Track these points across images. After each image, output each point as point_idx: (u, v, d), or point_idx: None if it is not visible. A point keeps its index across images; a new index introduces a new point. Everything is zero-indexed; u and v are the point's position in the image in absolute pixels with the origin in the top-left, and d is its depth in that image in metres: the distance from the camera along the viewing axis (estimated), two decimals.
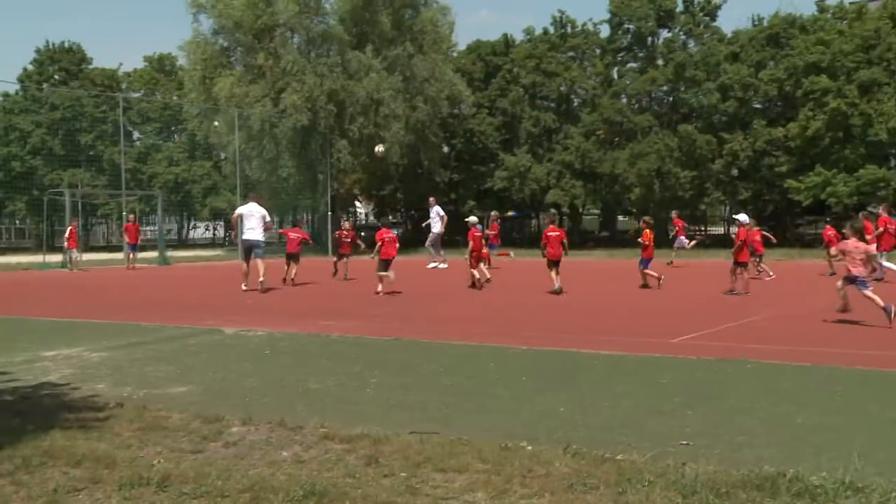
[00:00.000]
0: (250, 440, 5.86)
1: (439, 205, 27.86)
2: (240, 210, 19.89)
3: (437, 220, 27.07)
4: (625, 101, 45.67)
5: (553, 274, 17.29)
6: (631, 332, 11.77)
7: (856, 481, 4.64)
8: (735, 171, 42.47)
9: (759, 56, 41.91)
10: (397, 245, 18.33)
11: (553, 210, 46.78)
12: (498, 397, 7.41)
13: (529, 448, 5.56)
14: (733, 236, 19.35)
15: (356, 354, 9.87)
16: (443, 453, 5.38)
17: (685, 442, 5.79)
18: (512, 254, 32.09)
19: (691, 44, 45.44)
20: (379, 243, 17.92)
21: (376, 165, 43.67)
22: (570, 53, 48.32)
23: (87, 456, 5.35)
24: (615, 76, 47.35)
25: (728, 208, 47.81)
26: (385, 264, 17.64)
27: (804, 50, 39.29)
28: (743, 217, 18.61)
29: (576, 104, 48.38)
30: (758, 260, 20.58)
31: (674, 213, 31.37)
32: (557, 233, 17.96)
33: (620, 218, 53.77)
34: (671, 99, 45.61)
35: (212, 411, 6.67)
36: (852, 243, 12.53)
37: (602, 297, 17.47)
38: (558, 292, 16.87)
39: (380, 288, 17.51)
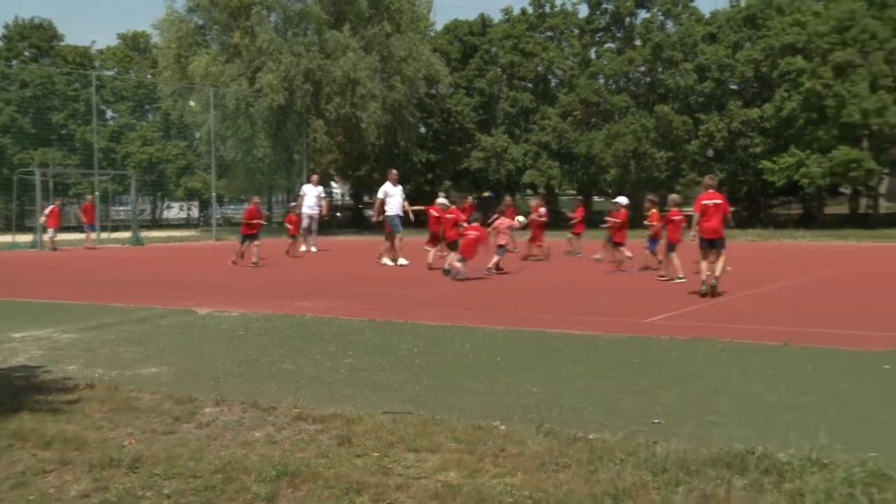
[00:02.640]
0: (223, 421, 5.84)
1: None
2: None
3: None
4: (602, 81, 45.73)
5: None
6: (605, 312, 11.82)
7: (822, 458, 4.70)
8: (711, 152, 42.69)
9: (736, 37, 42.06)
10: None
11: (542, 191, 46.73)
12: (472, 377, 7.43)
13: (503, 427, 5.58)
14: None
15: (330, 335, 9.85)
16: (416, 433, 5.39)
17: (657, 421, 5.84)
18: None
19: (669, 24, 45.48)
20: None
21: (353, 145, 43.53)
22: (548, 33, 48.29)
23: (56, 437, 5.31)
24: (593, 56, 47.36)
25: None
26: (452, 245, 17.36)
27: (780, 31, 39.46)
28: (622, 199, 18.83)
29: (553, 84, 48.36)
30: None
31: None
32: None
33: (596, 198, 53.88)
34: (648, 79, 45.69)
35: (184, 392, 6.64)
36: None
37: (577, 277, 17.52)
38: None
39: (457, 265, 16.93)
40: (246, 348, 8.98)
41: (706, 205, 13.76)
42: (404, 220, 20.79)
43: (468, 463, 4.82)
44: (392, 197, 20.58)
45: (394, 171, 21.73)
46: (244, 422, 5.81)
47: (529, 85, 48.16)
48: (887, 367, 7.63)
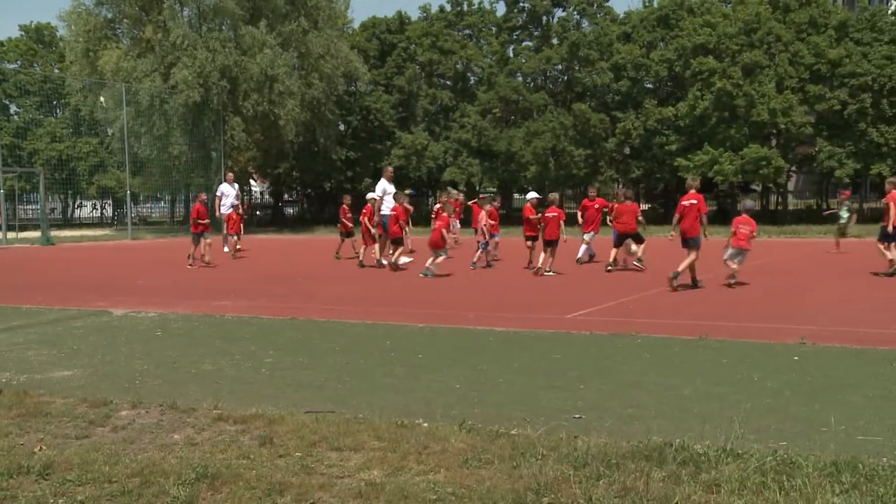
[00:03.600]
0: (140, 424, 5.70)
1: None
2: None
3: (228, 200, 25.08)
4: (520, 79, 46.11)
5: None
6: (527, 309, 11.93)
7: (736, 448, 4.84)
8: (627, 150, 43.47)
9: (650, 37, 42.92)
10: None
11: (463, 189, 46.77)
12: (394, 375, 7.41)
13: (425, 425, 5.59)
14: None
15: (251, 334, 9.72)
16: (338, 432, 5.36)
17: (578, 415, 5.91)
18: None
19: (585, 23, 46.12)
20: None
21: (271, 143, 42.99)
22: (467, 31, 48.49)
23: None
24: (511, 54, 47.71)
25: (621, 186, 48.92)
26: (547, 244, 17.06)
27: (692, 32, 40.40)
28: (531, 194, 19.07)
29: (472, 82, 48.56)
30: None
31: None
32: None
33: (516, 196, 54.35)
34: (566, 78, 46.26)
35: (99, 395, 6.47)
36: None
37: (498, 274, 17.63)
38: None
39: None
40: (164, 349, 8.79)
41: (685, 205, 14.13)
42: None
43: (391, 461, 4.81)
44: (389, 195, 19.65)
45: (390, 169, 21.21)
46: (162, 424, 5.69)
47: (449, 83, 48.29)
48: (796, 358, 7.88)
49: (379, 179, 20.59)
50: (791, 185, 48.96)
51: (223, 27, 40.71)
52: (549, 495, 4.19)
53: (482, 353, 8.44)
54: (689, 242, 14.16)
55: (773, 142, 39.96)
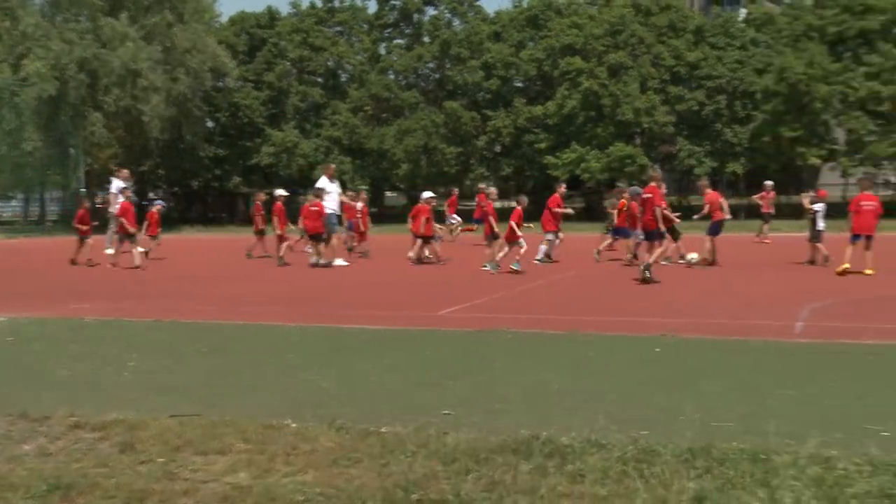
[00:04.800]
0: None
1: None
2: None
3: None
4: (392, 77, 46.16)
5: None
6: (399, 307, 11.92)
7: (600, 439, 4.95)
8: (498, 148, 44.13)
9: (519, 36, 43.72)
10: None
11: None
12: (264, 376, 7.26)
13: (294, 425, 5.50)
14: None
15: (112, 338, 9.33)
16: (204, 435, 5.21)
17: (448, 412, 5.93)
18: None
19: (456, 22, 46.58)
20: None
21: (134, 139, 41.55)
22: (338, 28, 48.17)
23: None
24: (382, 52, 47.70)
25: (491, 183, 49.64)
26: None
27: (560, 32, 41.38)
28: (425, 194, 19.35)
29: (343, 80, 48.28)
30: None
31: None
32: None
33: (389, 193, 54.38)
34: (437, 76, 46.60)
35: None
36: None
37: (372, 272, 17.57)
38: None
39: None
40: (15, 355, 8.34)
41: (643, 198, 14.28)
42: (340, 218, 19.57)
43: (259, 463, 4.71)
44: (330, 194, 18.95)
45: (332, 166, 20.33)
46: (12, 435, 5.38)
47: (320, 80, 47.84)
48: (658, 350, 8.15)
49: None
50: None
51: (80, 18, 39.06)
52: (418, 492, 4.18)
53: (354, 352, 8.37)
54: (651, 234, 14.29)
55: (638, 140, 41.38)
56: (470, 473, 4.42)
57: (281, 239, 19.26)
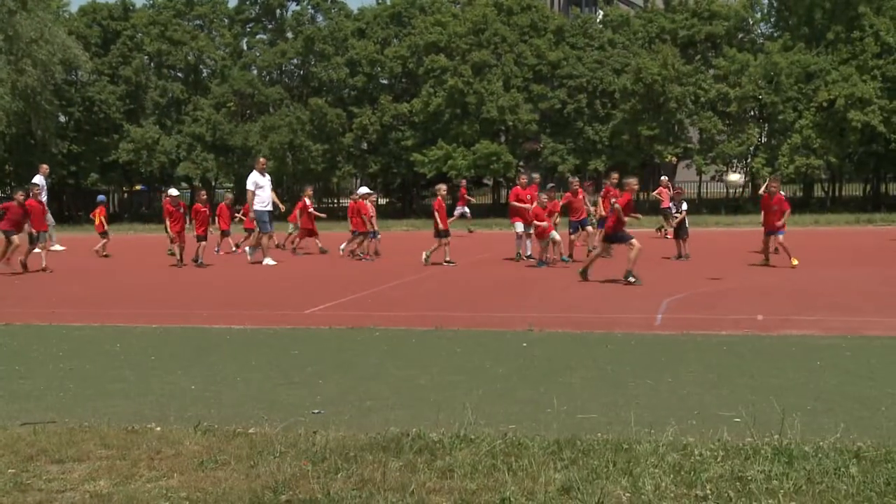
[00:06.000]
0: None
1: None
2: None
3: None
4: (255, 73, 45.38)
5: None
6: (264, 305, 11.75)
7: (469, 434, 5.03)
8: (365, 145, 44.01)
9: (384, 33, 43.72)
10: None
11: (198, 184, 45.08)
12: (124, 380, 7.03)
13: (158, 429, 5.37)
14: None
15: None
16: (60, 443, 5.01)
17: (317, 410, 5.91)
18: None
19: (320, 18, 46.18)
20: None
21: None
22: (198, 22, 46.94)
23: None
24: (245, 47, 46.79)
25: (359, 181, 49.46)
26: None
27: (424, 30, 41.60)
28: (362, 189, 19.42)
29: (205, 75, 47.08)
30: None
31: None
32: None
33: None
34: (302, 72, 46.06)
35: None
36: None
37: (234, 270, 17.23)
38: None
39: None
40: None
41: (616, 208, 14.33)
42: (273, 215, 18.59)
43: (120, 469, 4.56)
44: (262, 189, 18.09)
45: (262, 160, 19.16)
46: None
47: (180, 74, 46.49)
48: (525, 344, 8.33)
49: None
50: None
51: None
52: (287, 492, 4.15)
53: (218, 353, 8.21)
54: (620, 238, 13.95)
55: (503, 138, 42.06)
56: (339, 472, 4.42)
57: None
